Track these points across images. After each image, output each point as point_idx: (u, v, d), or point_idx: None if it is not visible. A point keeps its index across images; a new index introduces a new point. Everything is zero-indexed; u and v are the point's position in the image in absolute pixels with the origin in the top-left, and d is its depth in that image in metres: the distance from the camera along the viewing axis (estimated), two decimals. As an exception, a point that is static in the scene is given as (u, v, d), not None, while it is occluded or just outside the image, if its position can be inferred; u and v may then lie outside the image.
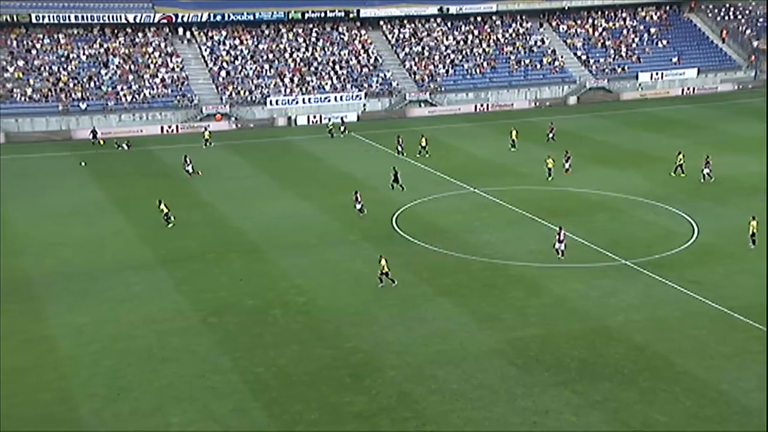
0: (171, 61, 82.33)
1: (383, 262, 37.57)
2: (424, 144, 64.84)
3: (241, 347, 32.26)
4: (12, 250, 43.42)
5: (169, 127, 75.81)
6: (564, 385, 28.79)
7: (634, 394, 28.31)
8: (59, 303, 36.38)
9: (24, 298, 36.89)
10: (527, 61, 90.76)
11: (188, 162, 59.17)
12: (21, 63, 77.50)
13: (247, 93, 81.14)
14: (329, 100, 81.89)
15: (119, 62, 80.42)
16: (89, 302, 36.55)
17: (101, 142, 69.52)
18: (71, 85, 76.79)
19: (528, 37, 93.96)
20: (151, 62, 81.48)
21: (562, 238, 40.89)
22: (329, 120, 76.84)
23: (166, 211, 47.50)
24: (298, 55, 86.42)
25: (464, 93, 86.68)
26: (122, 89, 77.79)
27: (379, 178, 57.77)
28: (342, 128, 74.39)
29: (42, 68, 77.67)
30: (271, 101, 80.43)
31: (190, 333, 33.54)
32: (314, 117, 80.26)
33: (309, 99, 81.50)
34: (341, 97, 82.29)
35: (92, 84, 77.53)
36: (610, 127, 74.81)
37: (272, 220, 48.57)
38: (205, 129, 71.28)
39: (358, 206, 48.76)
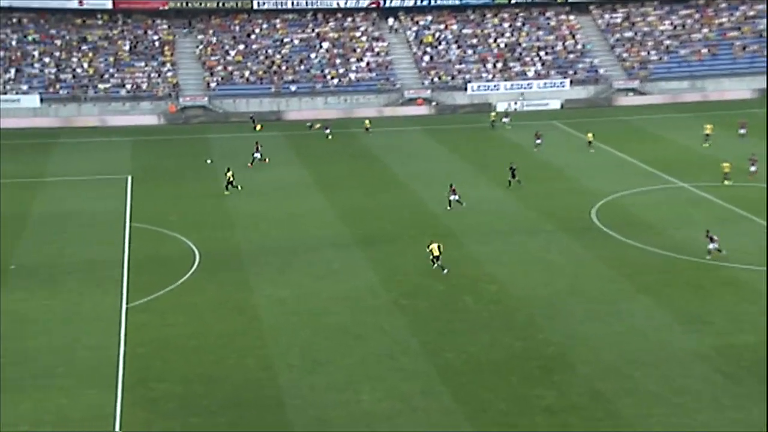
0: (377, 45, 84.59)
1: (434, 245, 37.77)
2: (590, 138, 61.78)
3: (431, 331, 32.63)
4: (225, 223, 46.68)
5: (371, 110, 77.94)
6: (778, 401, 26.51)
7: None
8: (264, 275, 38.65)
9: (235, 268, 39.54)
10: (755, 47, 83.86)
11: (259, 148, 59.50)
12: (241, 47, 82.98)
13: (448, 78, 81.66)
14: (531, 87, 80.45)
15: (328, 46, 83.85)
16: (291, 276, 38.53)
17: (315, 125, 71.55)
18: (283, 68, 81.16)
19: (756, 21, 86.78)
20: (358, 46, 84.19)
21: None
22: (494, 109, 74.40)
23: (231, 179, 51.44)
24: (502, 41, 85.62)
25: (678, 81, 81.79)
26: (329, 73, 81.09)
27: (577, 168, 56.02)
28: (506, 119, 71.56)
29: (259, 52, 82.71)
30: (472, 87, 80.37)
31: (382, 312, 34.41)
32: (515, 103, 79.22)
33: (511, 85, 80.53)
34: (544, 84, 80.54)
35: (302, 67, 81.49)
36: None
37: (467, 206, 48.61)
38: (368, 120, 71.34)
39: (454, 197, 47.55)
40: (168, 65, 79.82)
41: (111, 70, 78.13)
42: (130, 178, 55.56)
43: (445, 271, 37.78)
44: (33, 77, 75.89)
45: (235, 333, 32.68)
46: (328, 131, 68.50)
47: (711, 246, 38.84)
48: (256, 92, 78.95)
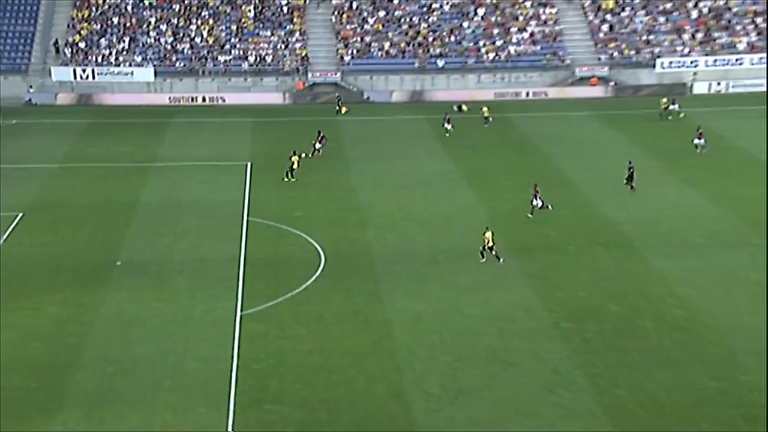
0: (544, 12, 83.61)
1: (488, 234, 40.04)
2: None
3: (601, 362, 31.95)
4: (357, 221, 47.52)
5: (534, 91, 77.14)
6: None
7: None
8: (398, 285, 39.07)
9: (365, 276, 40.18)
10: None
11: (320, 136, 59.68)
12: (382, 14, 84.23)
13: (632, 52, 79.56)
14: (741, 63, 76.97)
15: (484, 13, 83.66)
16: (430, 287, 38.74)
17: (464, 108, 71.48)
18: (430, 39, 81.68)
19: None
20: (521, 13, 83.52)
21: None
22: (665, 99, 69.55)
23: (295, 166, 53.14)
24: (705, 4, 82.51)
25: None
26: (484, 45, 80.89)
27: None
28: (674, 106, 67.87)
29: (402, 20, 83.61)
30: (662, 63, 77.91)
31: (540, 337, 34.00)
32: (718, 84, 76.10)
33: (714, 61, 77.39)
34: (759, 60, 76.80)
35: (452, 39, 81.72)
36: None
37: (652, 211, 47.23)
38: (486, 107, 68.94)
39: (537, 203, 46.53)
40: (296, 35, 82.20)
41: (233, 40, 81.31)
42: (249, 165, 57.63)
43: (501, 261, 39.31)
44: (147, 47, 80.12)
45: (364, 352, 33.23)
46: (488, 117, 67.56)
47: None
48: (397, 67, 79.98)
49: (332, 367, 32.15)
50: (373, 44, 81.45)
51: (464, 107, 71.58)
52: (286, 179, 53.39)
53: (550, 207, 47.32)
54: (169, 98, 76.68)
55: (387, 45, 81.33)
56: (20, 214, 47.72)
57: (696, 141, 58.50)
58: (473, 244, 43.15)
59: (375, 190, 52.64)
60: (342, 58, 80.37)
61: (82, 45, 79.37)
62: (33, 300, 37.69)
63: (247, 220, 47.42)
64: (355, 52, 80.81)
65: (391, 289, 38.56)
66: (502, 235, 44.41)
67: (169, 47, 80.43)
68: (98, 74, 77.13)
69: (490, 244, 40.16)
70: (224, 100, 76.83)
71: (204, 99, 76.37)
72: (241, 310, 36.74)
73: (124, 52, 79.59)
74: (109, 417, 29.06)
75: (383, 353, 33.07)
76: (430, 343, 33.78)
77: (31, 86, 76.22)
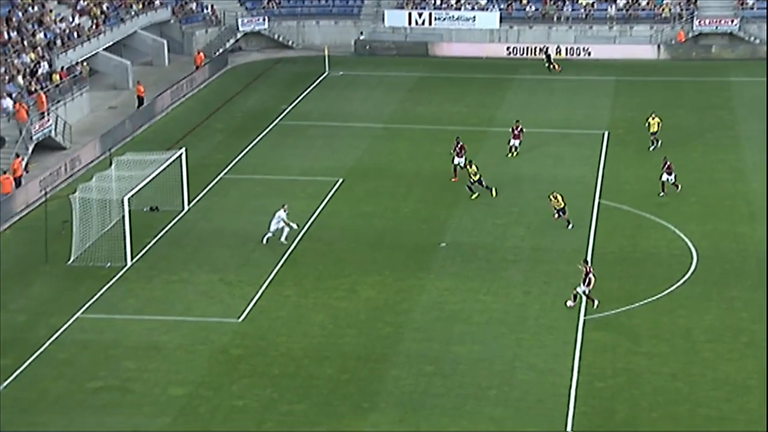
0: None
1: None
2: None
3: None
4: (745, 213, 45.40)
5: None
6: None
7: None
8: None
9: (735, 284, 38.48)
10: None
11: (457, 145, 50.48)
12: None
13: None
14: None
15: None
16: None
17: None
18: None
19: None
20: None
21: None
22: None
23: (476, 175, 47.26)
24: None
25: None
26: None
27: None
28: None
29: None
30: None
31: None
32: None
33: None
34: None
35: None
36: None
37: None
38: None
39: (669, 177, 45.86)
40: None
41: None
42: (606, 135, 56.88)
43: (570, 226, 41.48)
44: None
45: (746, 384, 31.71)
46: None
47: None
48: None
49: (701, 398, 31.02)
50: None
51: None
52: (473, 196, 48.01)
53: (679, 187, 46.44)
54: (513, 49, 77.15)
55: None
56: (340, 180, 50.54)
57: None
58: None
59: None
60: (743, 1, 76.20)
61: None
62: (349, 280, 39.78)
63: (599, 204, 46.94)
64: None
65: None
66: None
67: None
68: (435, 19, 79.44)
69: (561, 205, 43.51)
70: (580, 53, 76.06)
71: (558, 51, 76.01)
72: (585, 315, 36.44)
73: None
74: (424, 424, 29.93)
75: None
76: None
77: (361, 32, 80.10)
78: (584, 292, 36.61)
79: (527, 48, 76.58)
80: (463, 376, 32.64)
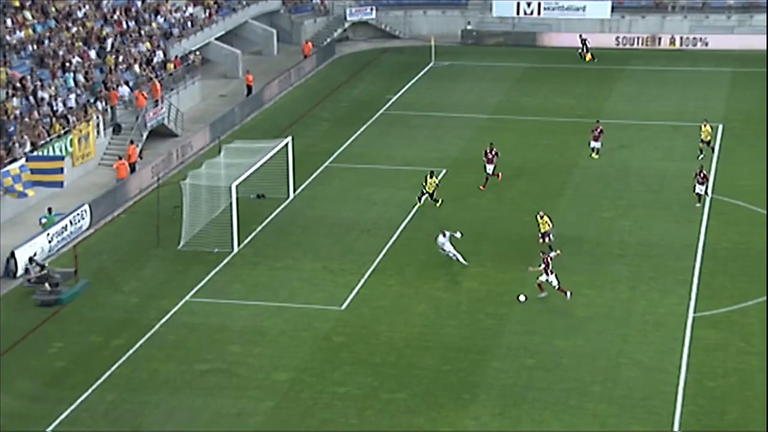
0: None
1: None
2: None
3: None
4: None
5: None
6: None
7: None
8: None
9: None
10: None
11: (491, 151, 48.44)
12: None
13: None
14: None
15: None
16: None
17: None
18: None
19: None
20: None
21: None
22: None
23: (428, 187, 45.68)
24: None
25: None
26: None
27: None
28: None
29: None
30: None
31: None
32: None
33: None
34: None
35: None
36: None
37: None
38: None
39: (701, 188, 44.44)
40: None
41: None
42: (720, 128, 55.76)
43: (554, 253, 37.63)
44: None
45: None
46: None
47: None
48: None
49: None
50: None
51: None
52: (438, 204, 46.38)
53: (710, 197, 44.19)
54: (623, 39, 76.02)
55: None
56: (444, 170, 50.45)
57: None
58: None
59: None
60: None
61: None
62: (451, 270, 39.72)
63: (711, 198, 45.94)
64: None
65: None
66: None
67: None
68: (545, 9, 78.71)
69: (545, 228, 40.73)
70: (696, 43, 74.44)
71: (671, 41, 74.42)
72: (695, 312, 35.80)
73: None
74: (526, 419, 29.73)
75: None
76: None
77: (469, 22, 79.83)
78: (551, 282, 36.50)
79: (637, 38, 75.45)
80: (565, 370, 32.34)
